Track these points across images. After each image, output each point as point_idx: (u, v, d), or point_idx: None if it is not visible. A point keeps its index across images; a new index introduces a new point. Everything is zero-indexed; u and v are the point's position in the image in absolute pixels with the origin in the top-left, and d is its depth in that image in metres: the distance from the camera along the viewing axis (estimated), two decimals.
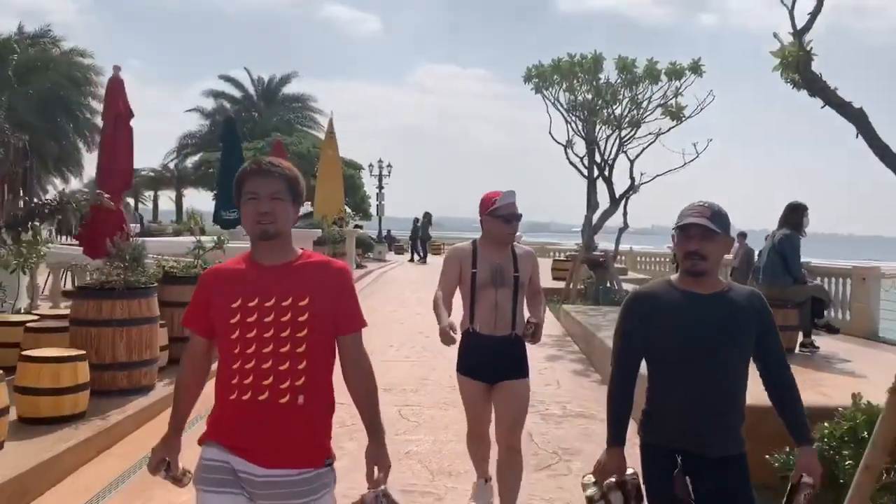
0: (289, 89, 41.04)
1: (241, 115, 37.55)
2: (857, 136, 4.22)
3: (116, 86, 8.02)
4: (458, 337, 3.89)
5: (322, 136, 37.90)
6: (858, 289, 12.85)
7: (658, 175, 14.31)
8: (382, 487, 2.34)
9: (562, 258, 22.73)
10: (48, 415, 5.35)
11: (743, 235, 16.74)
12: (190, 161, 40.67)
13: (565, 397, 7.18)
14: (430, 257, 28.94)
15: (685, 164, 13.98)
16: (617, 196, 14.14)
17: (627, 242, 30.20)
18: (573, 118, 14.56)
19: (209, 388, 2.47)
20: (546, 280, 18.39)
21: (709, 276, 2.64)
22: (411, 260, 28.52)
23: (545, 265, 20.26)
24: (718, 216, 2.60)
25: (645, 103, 14.01)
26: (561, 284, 16.18)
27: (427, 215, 30.41)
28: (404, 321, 11.18)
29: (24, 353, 5.59)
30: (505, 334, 4.00)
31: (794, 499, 2.66)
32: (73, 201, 5.16)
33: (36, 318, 7.23)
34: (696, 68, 12.90)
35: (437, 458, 5.33)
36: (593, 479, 2.72)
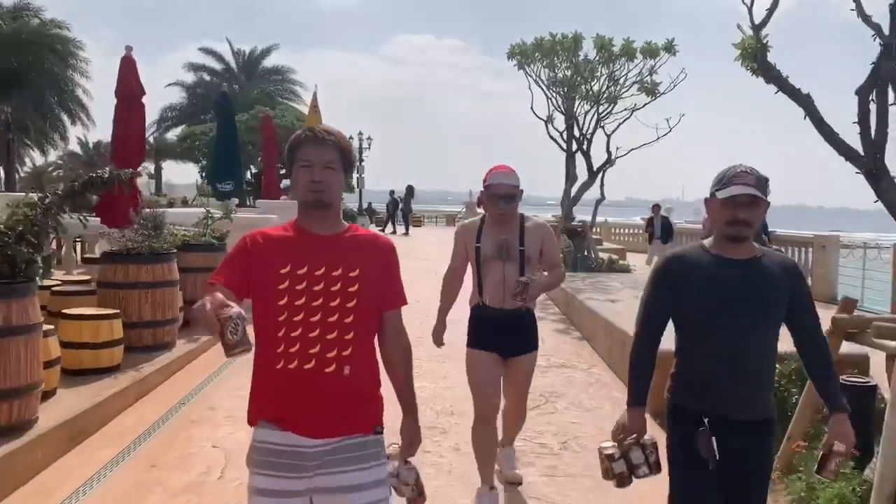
0: (269, 62, 41.12)
1: (222, 87, 37.59)
2: (804, 118, 4.89)
3: (129, 65, 8.47)
4: (520, 287, 3.85)
5: (302, 108, 38.26)
6: (819, 256, 13.72)
7: (633, 149, 15.02)
8: (412, 465, 2.44)
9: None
10: (89, 366, 5.93)
11: (657, 208, 17.52)
12: (172, 133, 40.65)
13: (549, 352, 7.87)
14: (411, 229, 29.53)
15: (658, 138, 14.68)
16: (594, 169, 14.81)
17: (603, 215, 30.99)
18: (553, 94, 15.16)
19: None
20: None
21: (747, 242, 2.62)
22: (393, 232, 28.93)
23: None
24: (761, 182, 2.57)
25: (622, 80, 14.66)
26: None
27: (409, 188, 30.87)
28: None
29: (65, 311, 6.13)
30: (514, 307, 3.97)
31: (826, 465, 2.65)
32: (123, 175, 5.63)
33: (58, 282, 7.74)
34: (669, 47, 13.54)
35: (440, 400, 6.01)
36: (612, 442, 2.72)
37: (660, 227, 16.63)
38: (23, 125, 29.04)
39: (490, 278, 3.98)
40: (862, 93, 4.44)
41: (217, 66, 40.23)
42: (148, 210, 7.42)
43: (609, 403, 6.19)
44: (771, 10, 5.14)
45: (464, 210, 40.42)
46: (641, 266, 15.44)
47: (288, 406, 2.19)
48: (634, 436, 2.66)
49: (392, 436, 2.41)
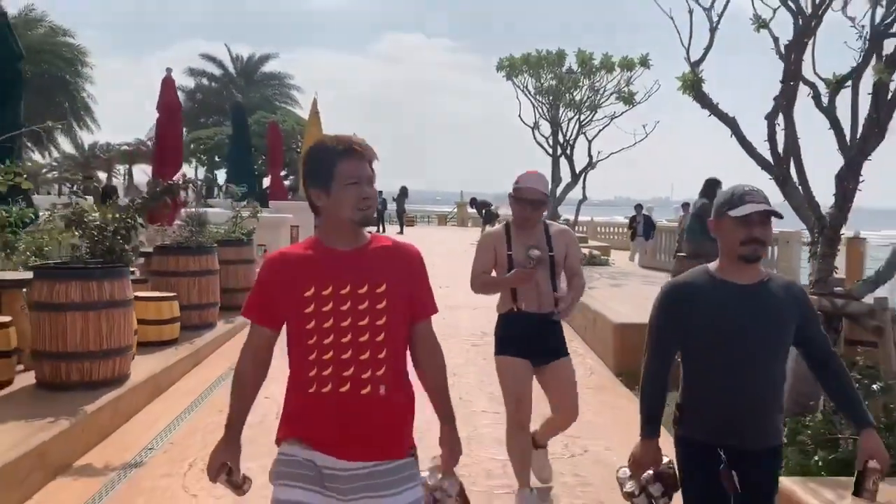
0: (267, 68, 42.36)
1: (221, 93, 38.82)
2: (730, 136, 6.16)
3: (169, 85, 9.74)
4: (533, 263, 3.86)
5: (298, 111, 39.56)
6: (783, 250, 15.04)
7: (613, 153, 16.34)
8: (455, 476, 2.41)
9: None
10: (154, 339, 7.15)
11: (686, 206, 18.84)
12: None
13: None
14: (406, 229, 30.81)
15: (636, 143, 16.00)
16: (577, 172, 16.13)
17: (592, 214, 32.26)
18: (539, 103, 16.47)
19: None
20: None
21: (758, 263, 2.56)
22: (384, 231, 30.08)
23: None
24: (767, 199, 2.54)
25: (601, 90, 15.97)
26: None
27: (403, 189, 32.11)
28: None
29: (143, 294, 7.35)
30: (549, 311, 3.98)
31: (864, 485, 2.50)
32: (186, 182, 6.86)
33: None
34: (644, 62, 14.84)
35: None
36: (629, 473, 2.67)
37: (642, 226, 17.96)
38: (33, 131, 30.21)
39: (525, 285, 3.94)
40: (769, 118, 5.72)
41: (217, 71, 41.41)
42: (192, 210, 8.66)
43: (582, 368, 7.47)
44: (707, 49, 6.41)
45: (454, 210, 41.81)
46: (623, 262, 16.73)
47: (325, 429, 2.14)
48: (651, 472, 2.62)
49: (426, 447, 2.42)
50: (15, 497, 4.16)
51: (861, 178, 5.49)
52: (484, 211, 26.09)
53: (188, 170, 38.69)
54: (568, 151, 16.22)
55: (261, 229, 10.45)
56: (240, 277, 9.51)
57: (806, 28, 5.50)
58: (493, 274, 4.06)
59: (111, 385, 5.66)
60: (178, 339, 7.44)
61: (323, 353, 2.12)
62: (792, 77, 5.69)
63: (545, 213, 4.15)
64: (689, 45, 6.53)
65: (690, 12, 6.35)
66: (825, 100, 5.72)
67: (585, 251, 16.33)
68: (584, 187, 16.35)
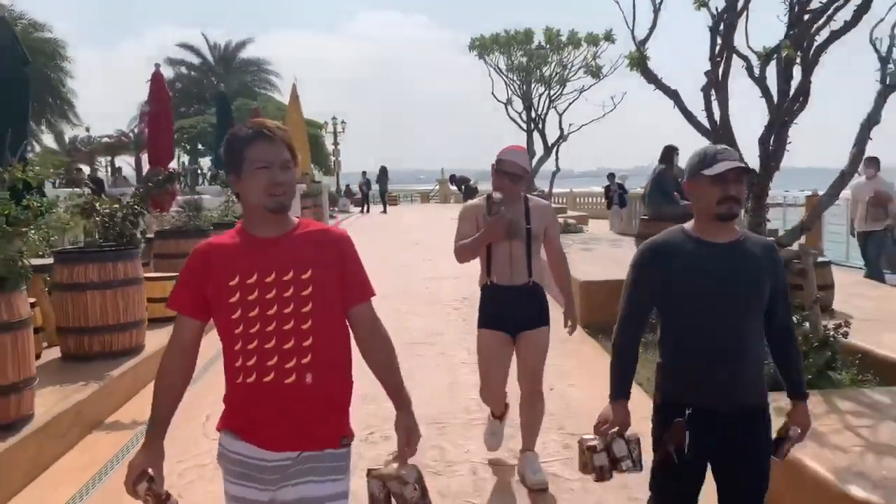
0: (245, 54, 42.56)
1: (201, 81, 39.05)
2: (674, 107, 6.82)
3: (158, 79, 10.27)
4: (498, 209, 3.82)
5: (278, 97, 39.84)
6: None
7: (583, 125, 17.00)
8: (414, 467, 2.23)
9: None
10: (160, 315, 7.74)
11: (612, 177, 19.73)
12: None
13: None
14: (389, 208, 31.44)
15: (604, 114, 16.65)
16: (549, 145, 16.77)
17: (574, 185, 32.81)
18: (510, 80, 17.08)
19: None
20: None
21: (733, 222, 2.56)
22: (367, 211, 30.54)
23: None
24: (741, 157, 2.52)
25: (569, 65, 16.59)
26: None
27: (383, 169, 32.63)
28: (387, 258, 13.88)
29: (147, 274, 7.97)
30: (522, 283, 4.00)
31: (780, 448, 2.62)
32: (185, 171, 7.44)
33: None
34: (608, 36, 15.45)
35: (428, 323, 7.99)
36: (593, 435, 2.62)
37: (617, 194, 18.71)
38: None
39: (498, 257, 3.99)
40: (704, 90, 6.39)
41: (195, 60, 41.58)
42: (188, 197, 9.26)
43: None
44: (651, 29, 7.05)
45: (437, 187, 42.40)
46: (600, 230, 17.42)
47: (250, 420, 2.11)
48: (617, 428, 2.56)
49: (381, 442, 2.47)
50: (59, 448, 4.82)
51: (788, 141, 6.19)
52: (463, 187, 26.74)
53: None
54: (540, 126, 16.88)
55: None
56: None
57: (731, 7, 6.15)
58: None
59: (129, 354, 6.31)
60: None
61: (248, 342, 2.07)
62: (723, 51, 6.36)
63: (524, 187, 4.14)
64: (634, 25, 7.18)
65: (607, 33, 6.96)
66: (757, 71, 6.41)
67: (561, 220, 17.05)
68: (556, 159, 17.02)
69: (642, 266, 2.62)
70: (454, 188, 32.30)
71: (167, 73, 41.66)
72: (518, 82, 16.79)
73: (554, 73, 16.47)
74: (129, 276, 6.32)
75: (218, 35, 40.67)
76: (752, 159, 6.34)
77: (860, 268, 11.38)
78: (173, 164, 9.44)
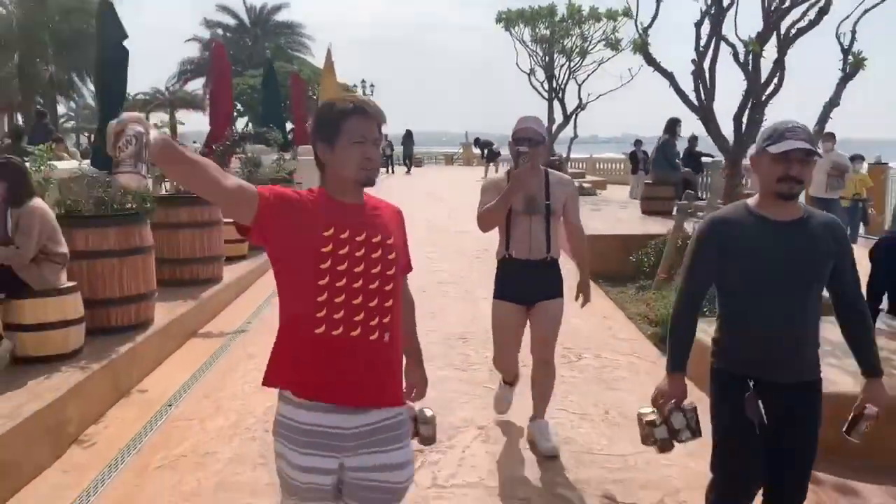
0: (280, 17, 43.54)
1: (237, 43, 40.14)
2: (669, 86, 7.93)
3: (220, 54, 11.49)
4: (526, 159, 3.74)
5: (311, 60, 40.93)
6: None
7: (601, 94, 17.98)
8: (424, 409, 2.50)
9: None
10: (233, 254, 9.07)
11: (639, 143, 20.49)
12: (190, 86, 43.25)
13: None
14: (413, 169, 32.63)
15: (622, 84, 17.57)
16: (568, 113, 17.83)
17: (600, 151, 33.40)
18: (533, 52, 18.07)
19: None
20: None
21: (795, 201, 2.52)
22: (392, 172, 31.51)
23: None
24: (811, 138, 2.47)
25: (590, 38, 17.54)
26: None
27: (408, 132, 33.68)
28: (413, 213, 15.15)
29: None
30: (540, 258, 4.04)
31: (856, 427, 2.59)
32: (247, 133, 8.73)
33: None
34: (627, 12, 16.26)
35: (454, 267, 9.26)
36: (651, 408, 2.64)
37: (643, 161, 19.42)
38: (61, 82, 32.11)
39: (517, 232, 4.02)
40: (693, 74, 7.49)
41: (231, 21, 42.63)
42: (249, 154, 10.54)
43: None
44: (653, 18, 8.13)
45: (460, 150, 43.35)
46: (617, 196, 18.35)
47: (327, 372, 2.09)
48: (674, 401, 2.59)
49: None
50: (172, 346, 6.18)
51: (765, 118, 7.30)
52: (486, 150, 27.77)
53: (189, 116, 40.64)
54: (560, 95, 17.91)
55: (304, 168, 12.38)
56: None
57: (717, 2, 7.23)
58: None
59: (211, 283, 7.66)
60: (247, 255, 9.42)
61: (335, 295, 2.07)
62: (711, 40, 7.45)
63: (545, 155, 4.13)
64: (637, 13, 8.29)
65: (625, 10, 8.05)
66: (742, 58, 7.50)
67: (577, 183, 18.15)
68: (575, 126, 18.04)
69: (704, 240, 2.61)
70: (477, 151, 33.30)
71: (204, 33, 42.90)
72: (541, 54, 17.81)
73: (575, 46, 17.44)
74: (212, 218, 7.64)
75: None
76: (730, 134, 7.49)
77: None
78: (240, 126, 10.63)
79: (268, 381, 2.16)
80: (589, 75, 17.64)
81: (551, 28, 17.43)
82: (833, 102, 7.08)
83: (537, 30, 17.79)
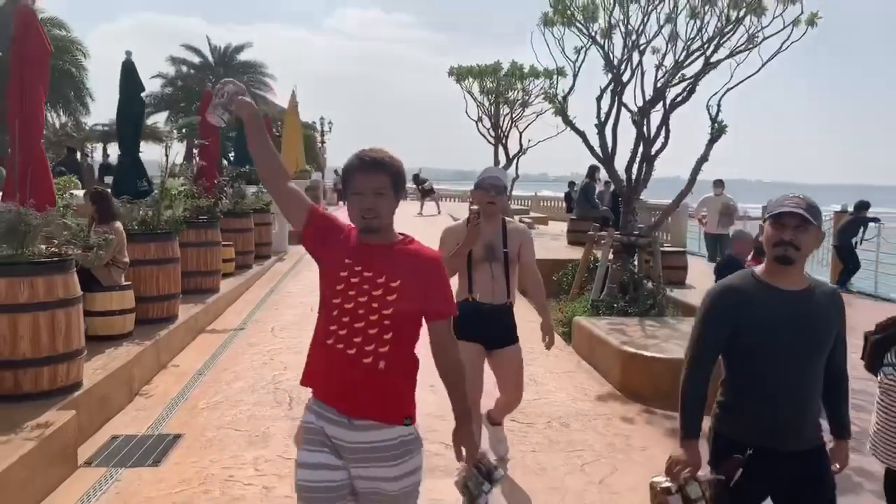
0: (243, 56, 45.18)
1: (202, 80, 41.56)
2: (582, 143, 9.97)
3: (207, 98, 13.20)
4: (477, 217, 3.91)
5: (273, 98, 42.66)
6: (674, 219, 19.04)
7: (540, 141, 20.18)
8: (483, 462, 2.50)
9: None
10: (225, 271, 10.73)
11: (573, 185, 22.67)
12: (152, 119, 44.40)
13: None
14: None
15: (558, 133, 19.81)
16: (510, 157, 19.98)
17: (549, 189, 35.41)
18: (480, 103, 20.24)
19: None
20: (466, 213, 24.31)
21: (796, 268, 2.54)
22: (342, 203, 33.28)
23: (464, 207, 26.13)
24: (813, 209, 2.50)
25: (530, 93, 19.78)
26: None
27: None
28: None
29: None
30: (501, 303, 4.18)
31: None
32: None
33: None
34: (560, 72, 18.59)
35: None
36: (664, 477, 2.58)
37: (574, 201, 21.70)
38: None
39: (480, 277, 4.15)
40: (598, 129, 9.53)
41: (195, 59, 44.07)
42: (234, 187, 12.21)
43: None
44: (570, 90, 10.22)
45: (412, 187, 45.23)
46: (555, 230, 20.37)
47: (329, 378, 2.35)
48: (689, 469, 2.54)
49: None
50: (190, 337, 7.81)
51: (654, 169, 9.36)
52: (421, 187, 29.86)
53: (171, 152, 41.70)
54: (504, 141, 20.06)
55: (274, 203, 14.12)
56: (263, 236, 13.18)
57: (617, 80, 9.31)
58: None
59: (212, 292, 9.31)
60: (234, 272, 11.08)
61: (343, 315, 2.30)
62: (612, 107, 9.52)
63: (504, 204, 4.33)
64: (556, 84, 10.37)
65: (558, 70, 10.13)
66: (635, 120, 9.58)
67: (517, 219, 20.23)
68: (517, 168, 20.16)
69: (713, 308, 2.62)
70: (413, 186, 35.44)
71: (169, 69, 44.25)
72: (487, 104, 19.96)
73: (517, 98, 19.64)
74: (215, 239, 9.33)
75: (196, 24, 42.41)
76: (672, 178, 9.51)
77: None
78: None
79: (303, 380, 2.46)
80: (529, 124, 19.86)
81: (496, 82, 19.60)
82: (703, 158, 9.17)
83: (484, 83, 19.95)
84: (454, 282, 4.18)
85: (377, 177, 2.32)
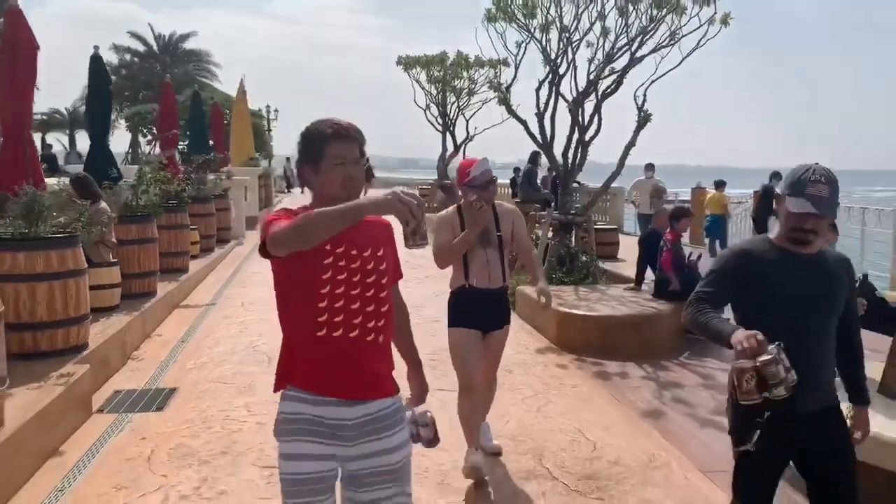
0: (188, 45, 44.98)
1: (147, 68, 41.31)
2: (524, 130, 10.90)
3: (167, 89, 13.67)
4: (480, 204, 3.97)
5: (217, 85, 42.65)
6: (612, 202, 20.19)
7: (486, 128, 21.13)
8: (426, 411, 2.60)
9: (425, 186, 29.69)
10: (193, 252, 11.35)
11: (517, 170, 23.76)
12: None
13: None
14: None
15: (503, 121, 20.78)
16: (457, 144, 20.86)
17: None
18: (428, 92, 21.06)
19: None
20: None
21: (814, 243, 2.59)
22: (289, 191, 33.77)
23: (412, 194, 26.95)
24: (834, 188, 2.52)
25: (476, 81, 20.68)
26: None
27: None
28: None
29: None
30: (498, 286, 4.24)
31: None
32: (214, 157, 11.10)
33: None
34: (505, 62, 19.54)
35: None
36: (748, 364, 2.33)
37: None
38: None
39: (476, 264, 4.18)
40: (538, 117, 10.47)
41: (141, 47, 43.67)
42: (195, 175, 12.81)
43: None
44: (512, 81, 11.15)
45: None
46: None
47: (329, 372, 2.25)
48: (759, 344, 2.32)
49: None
50: (167, 311, 8.49)
51: (588, 154, 10.35)
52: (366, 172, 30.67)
53: (121, 141, 41.40)
54: (452, 128, 20.94)
55: (235, 187, 14.76)
56: (222, 221, 13.81)
57: (554, 72, 10.26)
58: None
59: (183, 272, 9.95)
60: (199, 255, 11.70)
61: (335, 301, 2.24)
62: (549, 98, 10.47)
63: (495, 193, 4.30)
64: (500, 75, 11.24)
65: (501, 61, 11.00)
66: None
67: None
68: (464, 154, 21.08)
69: (727, 265, 2.66)
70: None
71: (112, 58, 43.73)
72: (434, 93, 20.80)
73: (463, 87, 20.53)
74: (184, 222, 9.98)
75: (130, 8, 42.10)
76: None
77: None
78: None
79: (278, 386, 2.34)
80: (475, 112, 20.79)
81: (444, 72, 20.45)
82: (631, 144, 10.19)
83: (431, 72, 20.76)
84: (448, 271, 4.29)
85: (354, 147, 2.31)
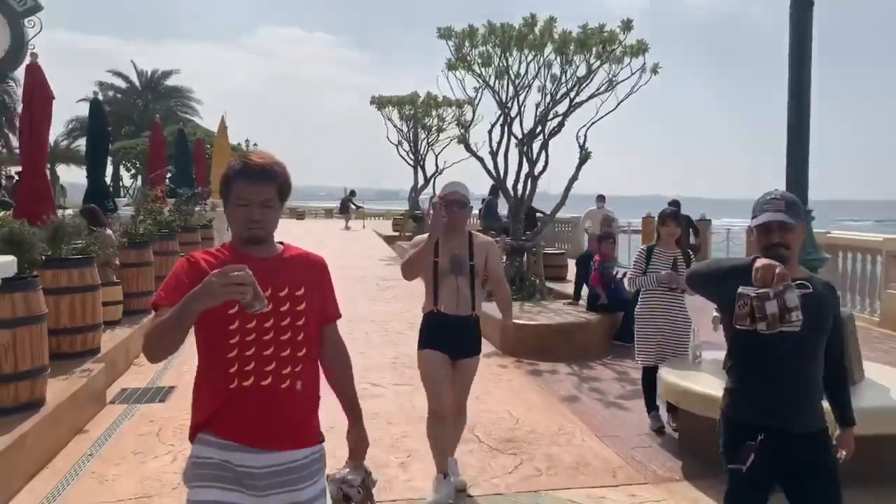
0: (170, 82, 46.20)
1: (130, 104, 42.38)
2: (481, 168, 12.14)
3: (156, 129, 14.80)
4: (439, 207, 4.02)
5: (198, 121, 43.82)
6: (573, 231, 21.53)
7: (455, 162, 22.47)
8: (361, 465, 2.47)
9: (399, 216, 31.12)
10: None
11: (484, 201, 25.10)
12: (78, 143, 44.70)
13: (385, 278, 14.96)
14: (295, 220, 36.20)
15: (470, 156, 22.14)
16: (428, 177, 22.21)
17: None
18: (400, 129, 22.44)
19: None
20: (387, 229, 26.35)
21: (790, 263, 2.61)
22: None
23: (388, 224, 28.29)
24: (793, 206, 2.63)
25: (445, 119, 22.06)
26: (397, 233, 24.24)
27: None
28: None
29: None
30: (466, 314, 4.26)
31: None
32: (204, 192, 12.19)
33: None
34: (470, 102, 20.97)
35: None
36: (755, 289, 2.39)
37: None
38: None
39: (444, 289, 4.22)
40: (492, 155, 11.73)
41: (123, 84, 44.80)
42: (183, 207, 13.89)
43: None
44: (471, 122, 12.44)
45: (339, 205, 46.78)
46: None
47: (245, 422, 2.17)
48: (787, 276, 2.40)
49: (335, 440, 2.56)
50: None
51: (536, 188, 11.61)
52: (340, 204, 32.52)
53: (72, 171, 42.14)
54: (422, 163, 22.32)
55: (220, 218, 15.88)
56: (207, 248, 14.89)
57: (506, 115, 11.55)
58: (422, 282, 4.35)
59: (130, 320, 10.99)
60: None
61: (245, 349, 2.14)
62: (503, 136, 11.75)
63: (468, 217, 4.36)
64: (464, 115, 12.53)
65: (467, 101, 12.30)
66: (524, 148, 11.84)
67: None
68: (433, 187, 22.44)
69: (714, 276, 2.74)
70: (360, 206, 37.67)
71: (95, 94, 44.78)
72: (406, 130, 22.20)
73: (433, 124, 21.93)
74: (173, 249, 11.07)
75: (108, 43, 43.13)
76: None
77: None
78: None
79: (192, 436, 2.25)
80: (444, 147, 22.18)
81: (414, 110, 21.85)
82: (573, 179, 11.46)
83: (403, 111, 22.16)
84: (420, 294, 4.40)
85: (266, 187, 2.19)
